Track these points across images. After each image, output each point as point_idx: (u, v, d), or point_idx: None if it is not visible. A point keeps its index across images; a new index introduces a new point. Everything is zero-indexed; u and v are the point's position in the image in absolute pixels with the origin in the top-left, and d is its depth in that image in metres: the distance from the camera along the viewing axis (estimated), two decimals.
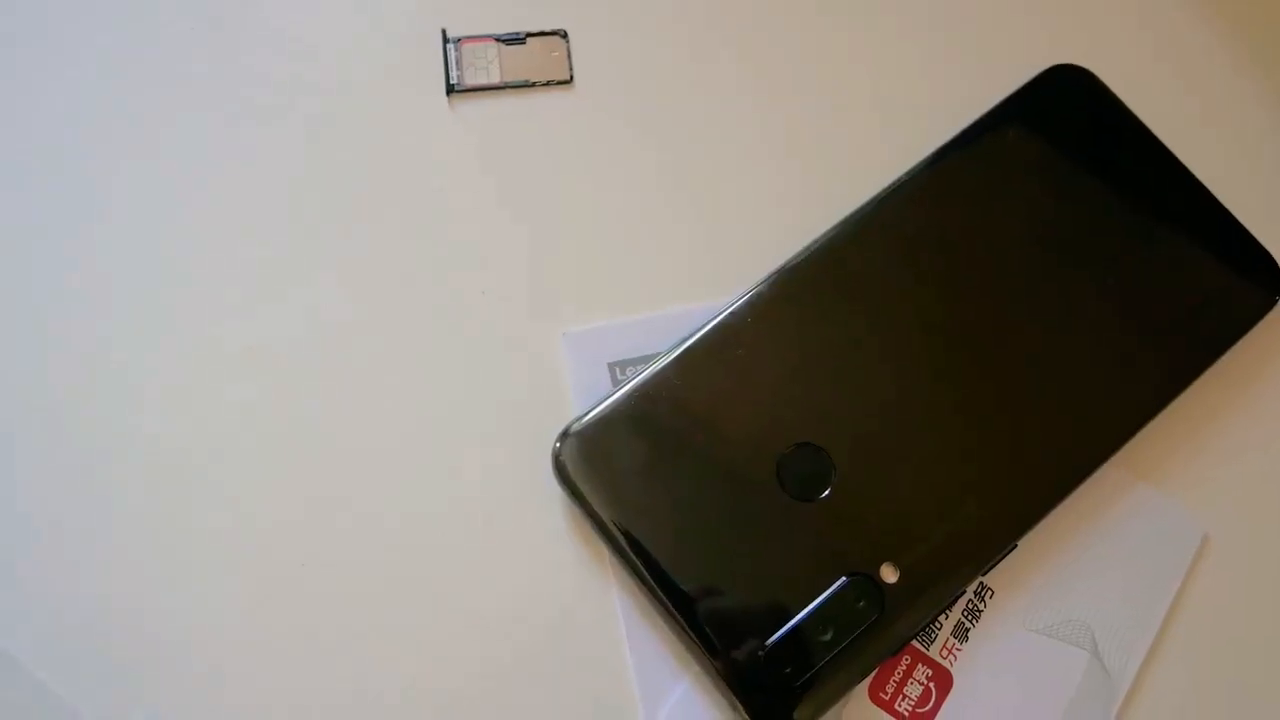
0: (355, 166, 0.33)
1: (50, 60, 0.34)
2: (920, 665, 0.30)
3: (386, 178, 0.33)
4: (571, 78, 0.35)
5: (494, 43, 0.35)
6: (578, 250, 0.33)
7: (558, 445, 0.30)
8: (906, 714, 0.30)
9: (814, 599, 0.29)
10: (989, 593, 0.31)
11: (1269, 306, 0.33)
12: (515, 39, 0.35)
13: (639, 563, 0.29)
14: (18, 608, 0.29)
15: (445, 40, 0.35)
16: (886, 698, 0.30)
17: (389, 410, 0.31)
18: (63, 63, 0.34)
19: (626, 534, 0.29)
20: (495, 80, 0.34)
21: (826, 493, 0.30)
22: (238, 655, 0.29)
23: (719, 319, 0.31)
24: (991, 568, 0.30)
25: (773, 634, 0.29)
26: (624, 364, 0.32)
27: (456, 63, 0.34)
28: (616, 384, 0.32)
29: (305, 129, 0.34)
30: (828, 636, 0.29)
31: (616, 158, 0.34)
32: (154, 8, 0.34)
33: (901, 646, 0.30)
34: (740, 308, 0.31)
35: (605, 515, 0.30)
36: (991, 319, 0.32)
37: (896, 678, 0.30)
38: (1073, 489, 0.31)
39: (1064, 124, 0.34)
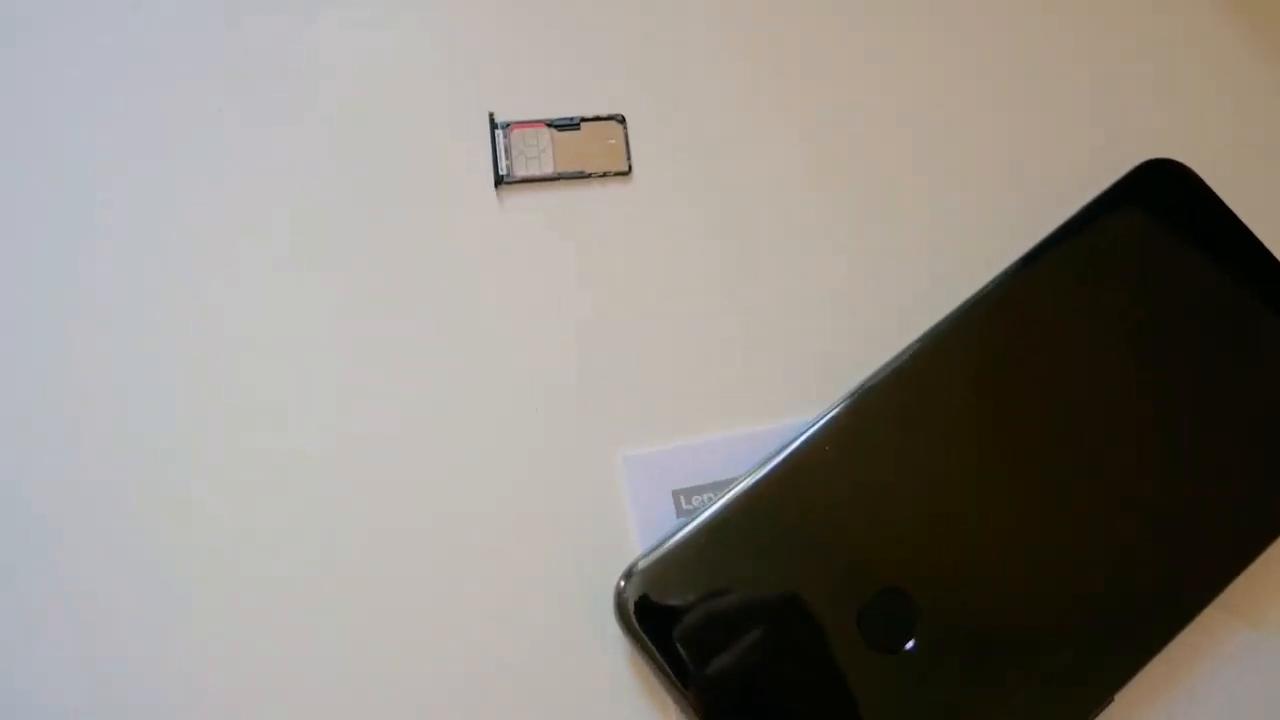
0: (392, 266, 0.31)
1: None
2: None
3: (426, 281, 0.31)
4: (630, 169, 0.32)
5: (546, 128, 0.32)
6: (638, 362, 0.31)
7: (621, 584, 0.28)
8: None
9: None
10: None
11: None
12: (569, 124, 0.32)
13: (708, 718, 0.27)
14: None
15: (493, 125, 0.32)
16: None
17: (428, 542, 0.29)
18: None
19: (695, 685, 0.27)
20: (548, 171, 0.32)
21: (911, 644, 0.28)
22: None
23: (795, 445, 0.29)
24: None
25: None
26: (689, 491, 0.30)
27: (505, 151, 0.32)
28: (682, 514, 0.29)
29: (334, 219, 0.31)
30: None
31: (678, 260, 0.31)
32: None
33: None
34: (816, 433, 0.29)
35: (672, 664, 0.27)
36: (1088, 446, 0.29)
37: None
38: (1174, 635, 0.28)
39: (1161, 224, 0.32)
